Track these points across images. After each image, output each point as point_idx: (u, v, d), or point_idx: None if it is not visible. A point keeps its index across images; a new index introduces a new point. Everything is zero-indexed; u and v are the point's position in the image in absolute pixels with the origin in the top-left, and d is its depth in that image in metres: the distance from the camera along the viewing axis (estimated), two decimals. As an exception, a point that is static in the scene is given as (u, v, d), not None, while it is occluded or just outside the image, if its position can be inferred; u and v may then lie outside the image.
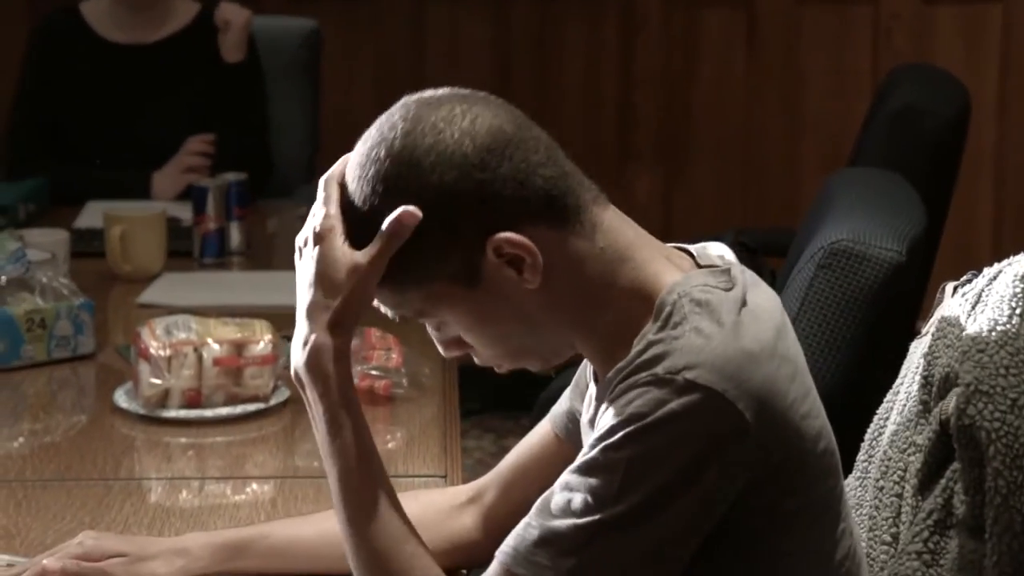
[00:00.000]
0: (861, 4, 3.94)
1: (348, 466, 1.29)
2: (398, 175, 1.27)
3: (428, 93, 1.33)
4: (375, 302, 1.34)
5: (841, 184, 2.19)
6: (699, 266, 1.32)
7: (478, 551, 1.52)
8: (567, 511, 1.27)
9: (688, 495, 1.24)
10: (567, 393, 1.52)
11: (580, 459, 1.27)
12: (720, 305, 1.25)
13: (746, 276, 1.31)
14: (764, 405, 1.24)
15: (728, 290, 1.27)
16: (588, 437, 1.35)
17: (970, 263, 1.73)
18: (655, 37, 3.97)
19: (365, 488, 1.31)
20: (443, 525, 1.56)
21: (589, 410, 1.38)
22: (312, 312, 1.28)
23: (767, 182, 4.02)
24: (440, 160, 1.27)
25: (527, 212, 1.27)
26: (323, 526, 1.56)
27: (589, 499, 1.25)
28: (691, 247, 1.37)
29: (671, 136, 4.10)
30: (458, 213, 1.27)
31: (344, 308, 1.28)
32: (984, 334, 1.39)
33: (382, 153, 1.27)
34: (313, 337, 1.27)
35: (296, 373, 1.31)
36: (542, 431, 1.53)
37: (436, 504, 1.59)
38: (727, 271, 1.29)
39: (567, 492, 1.28)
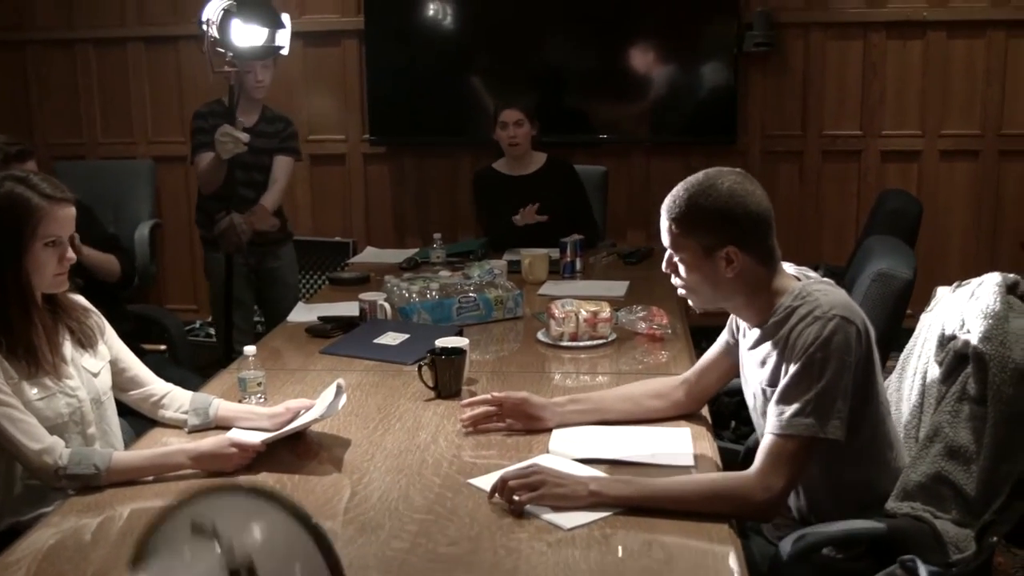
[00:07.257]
0: None
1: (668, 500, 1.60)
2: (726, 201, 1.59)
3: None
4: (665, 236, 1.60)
5: (872, 242, 2.72)
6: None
7: (685, 408, 1.99)
8: (796, 396, 1.57)
9: (846, 368, 1.57)
10: (724, 333, 1.94)
11: (790, 374, 1.57)
12: (828, 287, 1.65)
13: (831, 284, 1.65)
14: (866, 326, 1.62)
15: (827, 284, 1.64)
16: (757, 355, 1.71)
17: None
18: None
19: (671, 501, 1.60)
20: (670, 395, 2.01)
21: (750, 341, 1.74)
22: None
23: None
24: (746, 205, 1.60)
25: (754, 246, 1.64)
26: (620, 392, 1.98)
27: (806, 385, 1.57)
28: (808, 271, 1.73)
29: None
30: (733, 226, 1.61)
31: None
32: (985, 308, 1.70)
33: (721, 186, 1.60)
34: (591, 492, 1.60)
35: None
36: (714, 349, 1.96)
37: (667, 384, 2.03)
38: (824, 281, 1.69)
39: (791, 388, 1.57)
